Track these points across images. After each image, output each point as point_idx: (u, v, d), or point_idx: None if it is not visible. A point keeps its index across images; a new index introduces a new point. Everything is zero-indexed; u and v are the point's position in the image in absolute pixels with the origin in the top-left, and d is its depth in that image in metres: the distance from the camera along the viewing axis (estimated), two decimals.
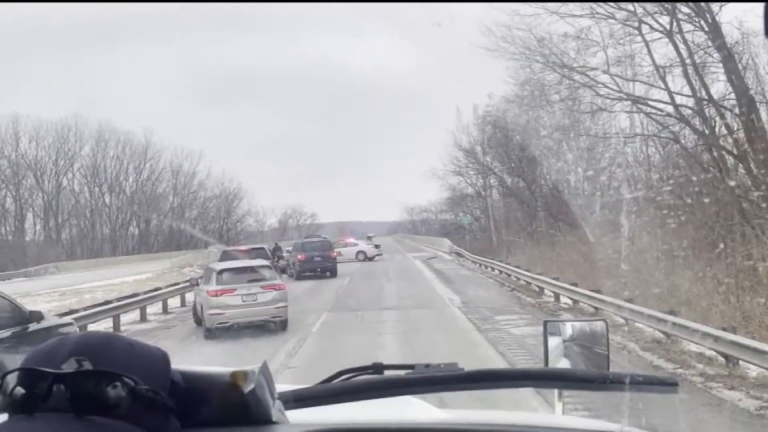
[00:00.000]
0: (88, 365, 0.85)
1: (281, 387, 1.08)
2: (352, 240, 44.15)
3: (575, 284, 15.65)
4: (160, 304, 18.55)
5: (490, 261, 28.48)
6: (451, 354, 9.71)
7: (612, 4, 17.82)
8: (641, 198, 17.77)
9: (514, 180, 38.79)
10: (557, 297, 16.85)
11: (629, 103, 19.48)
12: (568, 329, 1.63)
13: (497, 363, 9.73)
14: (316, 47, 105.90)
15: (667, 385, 1.07)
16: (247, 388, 0.94)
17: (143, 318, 17.01)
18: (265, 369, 0.97)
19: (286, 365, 10.12)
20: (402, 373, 1.14)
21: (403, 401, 1.18)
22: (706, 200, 15.15)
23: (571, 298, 15.74)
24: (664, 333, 10.78)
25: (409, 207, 77.53)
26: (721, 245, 14.11)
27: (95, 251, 60.60)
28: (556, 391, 1.44)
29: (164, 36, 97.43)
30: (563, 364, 1.57)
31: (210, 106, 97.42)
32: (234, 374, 0.95)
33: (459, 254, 38.31)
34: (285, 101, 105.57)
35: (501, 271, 24.97)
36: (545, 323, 1.63)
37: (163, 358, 0.92)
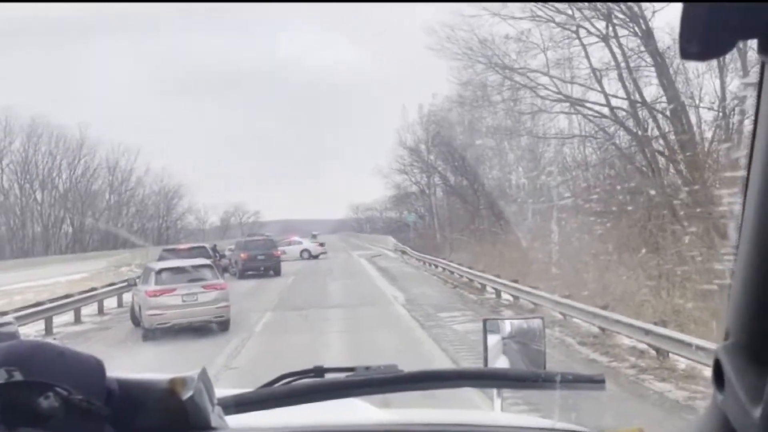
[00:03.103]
0: (18, 376, 0.82)
1: (222, 392, 1.08)
2: (296, 238, 43.78)
3: (516, 281, 15.98)
4: (95, 305, 17.94)
5: (434, 258, 28.78)
6: (395, 352, 9.80)
7: (551, 6, 18.33)
8: (578, 199, 18.34)
9: (458, 178, 39.34)
10: (498, 294, 17.17)
11: (568, 104, 20.08)
12: (507, 327, 1.67)
13: (440, 360, 9.87)
14: (262, 44, 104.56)
15: (595, 382, 1.12)
16: (186, 394, 0.93)
17: (77, 320, 16.41)
18: (204, 375, 0.96)
19: (228, 366, 9.98)
20: (343, 375, 1.15)
21: (345, 403, 1.19)
22: (628, 200, 15.76)
23: (512, 295, 16.06)
24: (600, 328, 11.17)
25: (355, 205, 77.56)
26: (648, 245, 14.73)
27: (25, 250, 58.03)
28: (495, 389, 1.48)
29: (101, 29, 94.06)
30: (502, 361, 1.62)
31: (149, 102, 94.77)
32: (172, 381, 0.94)
33: (403, 252, 38.56)
34: (228, 97, 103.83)
35: (444, 269, 25.28)
36: (484, 321, 1.67)
37: (97, 366, 0.90)
